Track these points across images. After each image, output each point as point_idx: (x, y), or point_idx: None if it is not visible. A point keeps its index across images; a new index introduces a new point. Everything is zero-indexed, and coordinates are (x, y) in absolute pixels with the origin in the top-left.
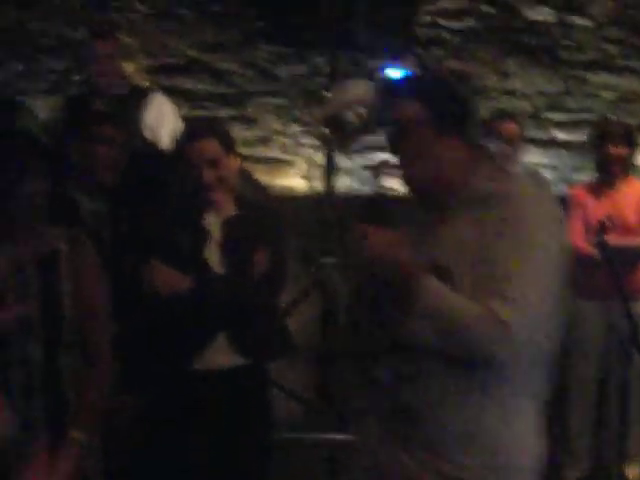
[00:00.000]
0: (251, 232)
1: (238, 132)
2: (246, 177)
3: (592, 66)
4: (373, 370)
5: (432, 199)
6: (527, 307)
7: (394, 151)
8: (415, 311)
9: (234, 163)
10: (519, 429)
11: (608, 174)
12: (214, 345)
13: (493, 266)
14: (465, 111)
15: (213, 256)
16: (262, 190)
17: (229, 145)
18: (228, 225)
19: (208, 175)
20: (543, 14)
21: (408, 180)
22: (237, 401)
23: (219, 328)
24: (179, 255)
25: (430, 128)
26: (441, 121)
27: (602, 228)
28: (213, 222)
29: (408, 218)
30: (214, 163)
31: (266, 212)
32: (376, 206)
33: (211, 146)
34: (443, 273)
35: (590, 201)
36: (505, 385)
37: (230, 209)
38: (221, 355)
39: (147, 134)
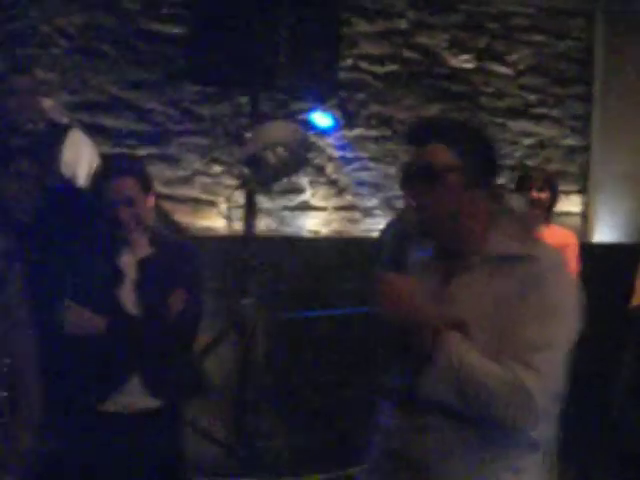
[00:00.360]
0: (167, 272)
1: (160, 171)
2: (163, 216)
3: (511, 113)
4: (380, 418)
5: (448, 250)
6: (550, 376)
7: (414, 195)
8: (434, 366)
9: (151, 202)
10: None
11: None
12: (127, 387)
13: (516, 330)
14: (493, 164)
15: (128, 296)
16: (179, 229)
17: (146, 183)
18: (143, 265)
19: (124, 214)
20: (464, 61)
21: (426, 228)
22: (150, 443)
23: (132, 369)
24: (93, 295)
25: (459, 178)
26: (470, 172)
27: None
28: (128, 261)
29: (422, 265)
30: (131, 202)
31: (182, 252)
32: (398, 251)
33: (128, 184)
34: (459, 328)
35: None
36: (514, 439)
37: (146, 248)
38: (134, 397)
39: (64, 171)
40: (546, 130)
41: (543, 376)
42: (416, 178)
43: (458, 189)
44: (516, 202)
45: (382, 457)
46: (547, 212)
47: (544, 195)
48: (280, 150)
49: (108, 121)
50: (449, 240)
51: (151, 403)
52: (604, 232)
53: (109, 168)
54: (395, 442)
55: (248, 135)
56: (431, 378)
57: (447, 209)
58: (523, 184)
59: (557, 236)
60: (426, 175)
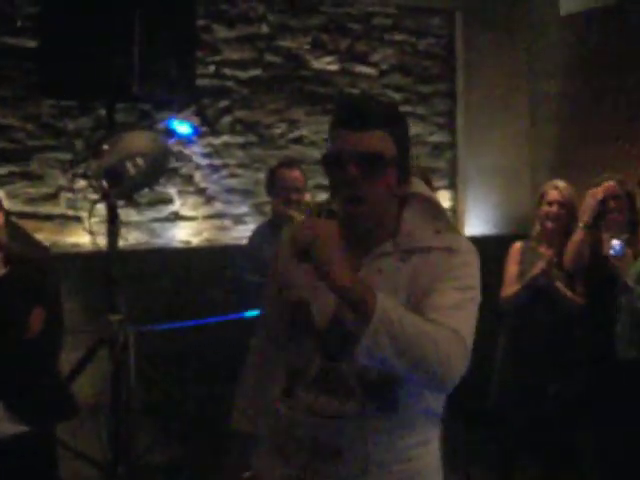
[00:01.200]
0: (23, 291)
1: (22, 189)
2: (18, 234)
3: None
4: (293, 411)
5: (359, 236)
6: (469, 333)
7: (347, 182)
8: (371, 327)
9: (0, 220)
10: (434, 450)
11: None
12: None
13: (433, 298)
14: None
15: None
16: (36, 246)
17: None
18: None
19: None
20: (328, 63)
21: (355, 214)
22: (22, 469)
23: None
24: None
25: (397, 169)
26: (403, 162)
27: None
28: None
29: None
30: None
31: (39, 269)
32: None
33: None
34: None
35: None
36: (424, 414)
37: (0, 268)
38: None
39: None
40: (412, 128)
41: (465, 329)
42: (352, 165)
43: (395, 180)
44: (422, 187)
45: (287, 444)
46: None
47: None
48: (139, 160)
49: None
50: (368, 228)
51: (18, 428)
52: (474, 225)
53: None
54: (303, 429)
55: (105, 147)
56: (369, 342)
57: (384, 201)
58: None
59: None
60: (367, 164)
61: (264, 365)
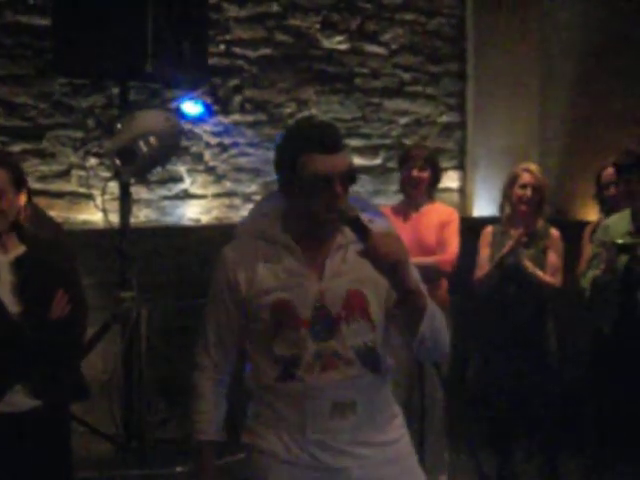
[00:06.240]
0: (44, 271)
1: (34, 167)
2: (37, 214)
3: (386, 92)
4: (300, 388)
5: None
6: None
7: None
8: (426, 315)
9: (22, 199)
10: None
11: (411, 197)
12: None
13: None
14: None
15: (7, 297)
16: (54, 226)
17: (19, 179)
18: (18, 264)
19: None
20: (338, 42)
21: (334, 222)
22: (36, 442)
23: (17, 374)
24: None
25: None
26: None
27: None
28: (2, 262)
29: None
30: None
31: (59, 249)
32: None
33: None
34: None
35: (395, 224)
36: (387, 372)
37: (18, 247)
38: (17, 397)
39: None
40: (422, 108)
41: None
42: (339, 184)
43: None
44: None
45: (302, 416)
46: (429, 190)
47: (425, 174)
48: (152, 139)
49: None
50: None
51: (32, 402)
52: (483, 206)
53: None
54: (319, 397)
55: (118, 126)
56: (421, 332)
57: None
58: (404, 163)
59: (440, 213)
60: (347, 181)
61: (220, 380)
